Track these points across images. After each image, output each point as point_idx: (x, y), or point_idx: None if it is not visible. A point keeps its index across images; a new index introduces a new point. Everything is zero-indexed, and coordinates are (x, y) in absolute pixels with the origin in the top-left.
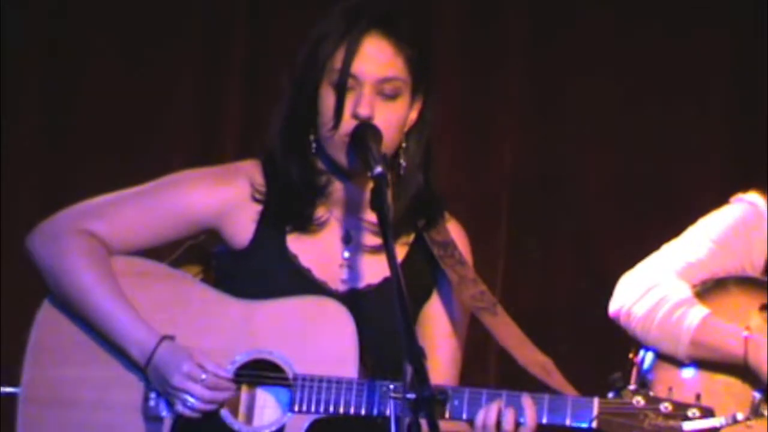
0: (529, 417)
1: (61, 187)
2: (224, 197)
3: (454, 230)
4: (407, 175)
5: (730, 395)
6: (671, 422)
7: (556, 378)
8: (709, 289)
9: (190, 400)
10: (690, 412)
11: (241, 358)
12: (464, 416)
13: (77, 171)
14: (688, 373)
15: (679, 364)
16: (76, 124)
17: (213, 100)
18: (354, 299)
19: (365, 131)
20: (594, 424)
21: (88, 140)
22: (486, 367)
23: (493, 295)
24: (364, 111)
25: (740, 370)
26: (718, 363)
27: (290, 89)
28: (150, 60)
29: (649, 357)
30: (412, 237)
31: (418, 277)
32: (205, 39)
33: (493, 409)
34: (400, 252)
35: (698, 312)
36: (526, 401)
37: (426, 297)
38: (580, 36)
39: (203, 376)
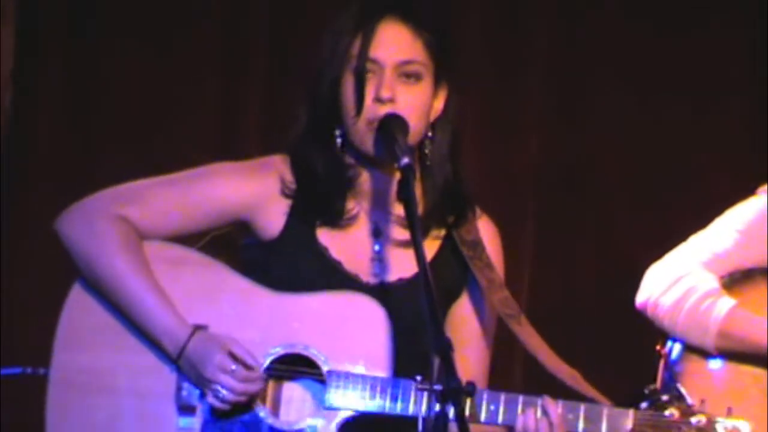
0: (556, 422)
1: (78, 184)
2: (255, 191)
3: (484, 228)
4: (434, 166)
5: (758, 387)
6: None
7: (584, 387)
8: (736, 280)
9: (222, 391)
10: (721, 427)
11: (276, 351)
12: (499, 420)
13: (97, 165)
14: (716, 364)
15: (707, 355)
16: (97, 120)
17: (234, 96)
18: (385, 292)
19: (391, 122)
20: None
21: (108, 135)
22: (511, 369)
23: (521, 289)
24: (385, 93)
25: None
26: (746, 354)
27: (312, 84)
28: (171, 54)
29: (677, 348)
30: (443, 232)
31: (449, 275)
32: (226, 34)
33: (531, 416)
34: (431, 247)
35: (725, 303)
36: (550, 406)
37: (456, 295)
38: (603, 33)
39: (233, 367)
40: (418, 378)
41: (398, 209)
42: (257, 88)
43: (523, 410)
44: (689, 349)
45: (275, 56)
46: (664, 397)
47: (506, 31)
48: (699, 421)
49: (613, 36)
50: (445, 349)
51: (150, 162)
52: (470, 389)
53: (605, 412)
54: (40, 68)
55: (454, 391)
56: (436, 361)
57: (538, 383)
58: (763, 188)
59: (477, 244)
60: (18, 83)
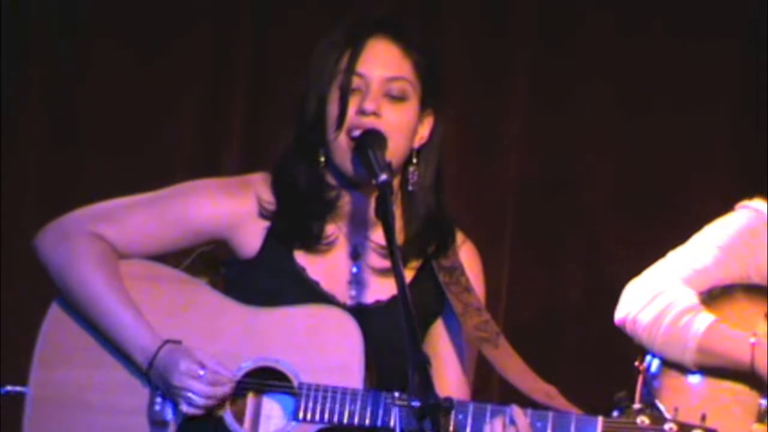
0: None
1: (62, 195)
2: (232, 210)
3: (466, 253)
4: (417, 195)
5: (737, 402)
6: None
7: (560, 403)
8: (715, 296)
9: (192, 397)
10: None
11: (247, 365)
12: (468, 430)
13: (79, 179)
14: (695, 380)
15: (686, 371)
16: (79, 132)
17: (215, 111)
18: (362, 314)
19: (369, 138)
20: None
21: (90, 148)
22: (489, 386)
23: (498, 306)
24: (369, 105)
25: (747, 376)
26: (725, 370)
27: (299, 101)
28: (154, 69)
29: (655, 364)
30: (420, 262)
31: (426, 300)
32: (209, 50)
33: (498, 425)
34: (409, 274)
35: (704, 319)
36: (518, 416)
37: (433, 319)
38: (585, 45)
39: (201, 372)
40: (396, 394)
41: (377, 235)
42: (241, 100)
43: (491, 419)
44: (668, 364)
45: (259, 70)
46: (636, 406)
47: (487, 46)
48: (671, 429)
49: (596, 52)
50: (423, 365)
51: (130, 181)
52: (448, 405)
53: (573, 419)
54: (23, 78)
55: (432, 407)
56: (415, 377)
57: (516, 400)
58: (742, 204)
59: (455, 270)
60: (2, 93)
